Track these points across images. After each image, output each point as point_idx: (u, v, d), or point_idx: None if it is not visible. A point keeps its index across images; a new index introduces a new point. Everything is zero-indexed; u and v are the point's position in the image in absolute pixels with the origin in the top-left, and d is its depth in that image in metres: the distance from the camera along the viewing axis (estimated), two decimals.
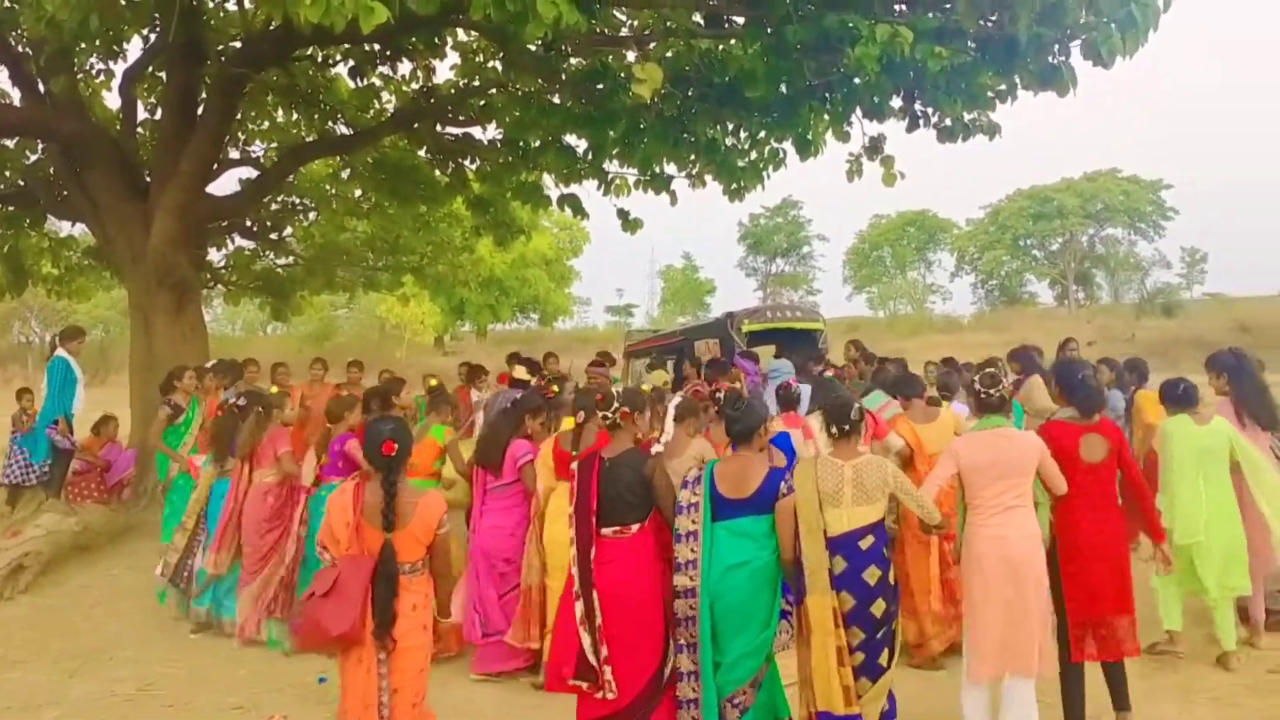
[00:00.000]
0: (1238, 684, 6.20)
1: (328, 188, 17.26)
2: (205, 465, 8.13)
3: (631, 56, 11.12)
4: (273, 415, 7.82)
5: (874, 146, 10.85)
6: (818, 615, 4.80)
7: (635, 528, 5.20)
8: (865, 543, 4.91)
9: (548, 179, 14.59)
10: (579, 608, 5.11)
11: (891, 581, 4.96)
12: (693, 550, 4.95)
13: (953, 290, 79.95)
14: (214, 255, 17.27)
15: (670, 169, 12.72)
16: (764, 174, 12.47)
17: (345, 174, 16.87)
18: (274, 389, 9.05)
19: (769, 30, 9.09)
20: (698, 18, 10.43)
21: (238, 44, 12.97)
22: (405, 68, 14.24)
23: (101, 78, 14.22)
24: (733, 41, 10.31)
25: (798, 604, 4.94)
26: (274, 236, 17.85)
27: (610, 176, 13.11)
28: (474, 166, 15.22)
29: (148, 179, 12.68)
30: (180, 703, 6.37)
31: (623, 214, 13.73)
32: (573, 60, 12.12)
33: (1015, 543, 5.06)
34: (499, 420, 7.00)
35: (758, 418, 5.13)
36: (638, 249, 78.54)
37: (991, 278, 69.04)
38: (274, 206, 17.19)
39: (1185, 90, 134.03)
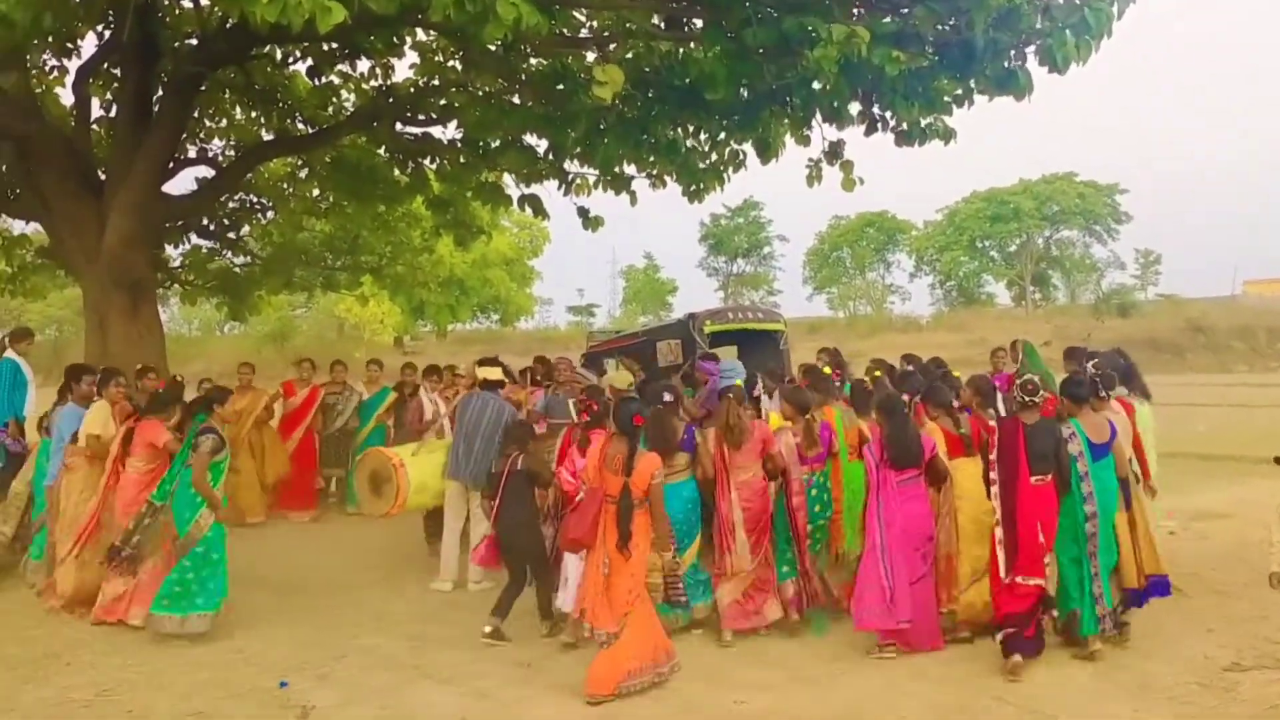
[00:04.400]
0: (1192, 682, 6.30)
1: (285, 187, 17.10)
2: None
3: (591, 58, 11.12)
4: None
5: (833, 151, 10.94)
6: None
7: (1049, 477, 6.76)
8: None
9: (508, 179, 14.57)
10: (998, 533, 6.79)
11: None
12: (1088, 486, 6.82)
13: (911, 291, 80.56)
14: (170, 254, 17.09)
15: (630, 169, 12.77)
16: (724, 175, 12.55)
17: (303, 173, 16.71)
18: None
19: (729, 33, 9.13)
20: (657, 20, 10.47)
21: (194, 42, 12.83)
22: (364, 66, 14.17)
23: (55, 75, 14.02)
24: (692, 44, 10.35)
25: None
26: (231, 236, 17.63)
27: (571, 176, 13.15)
28: (434, 166, 15.14)
29: (102, 178, 12.52)
30: (139, 708, 6.30)
31: (583, 212, 13.77)
32: (533, 61, 12.11)
33: None
34: (905, 417, 7.30)
35: (1089, 389, 7.27)
36: (599, 249, 78.67)
37: (949, 279, 69.65)
38: (231, 205, 16.98)
39: (1142, 94, 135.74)
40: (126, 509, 8.04)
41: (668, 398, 7.43)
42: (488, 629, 7.40)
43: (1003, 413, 7.83)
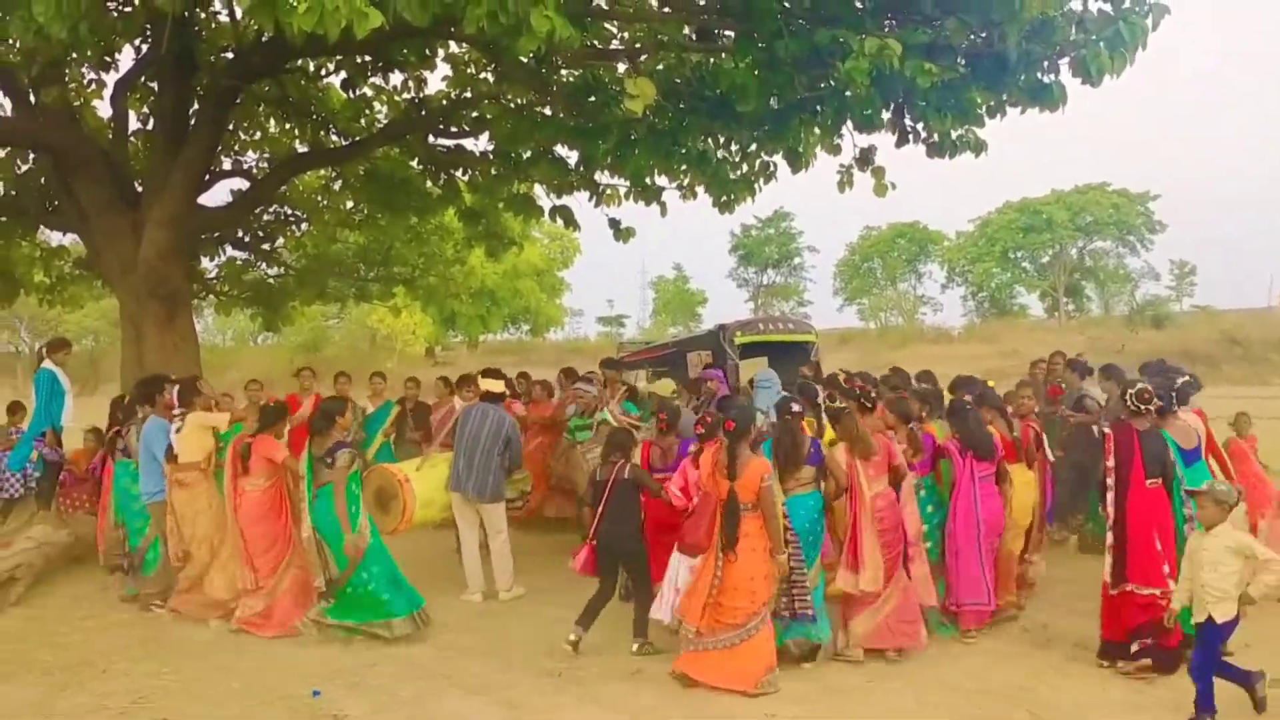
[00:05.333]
0: (1232, 699, 6.21)
1: (319, 198, 17.23)
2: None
3: (623, 69, 11.15)
4: None
5: (865, 158, 10.91)
6: None
7: (1160, 482, 6.97)
8: None
9: (539, 190, 14.62)
10: (1110, 537, 7.01)
11: None
12: (1186, 490, 6.76)
13: (943, 302, 79.87)
14: (205, 265, 17.25)
15: (661, 180, 12.77)
16: (755, 186, 12.52)
17: (337, 185, 16.83)
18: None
19: (760, 44, 9.13)
20: (689, 31, 10.48)
21: (230, 55, 12.96)
22: (397, 79, 14.27)
23: (93, 88, 14.18)
24: (724, 55, 10.35)
25: None
26: (265, 247, 17.78)
27: (601, 187, 13.18)
28: (466, 177, 15.21)
29: (139, 190, 12.66)
30: (173, 715, 6.37)
31: (614, 224, 13.80)
32: (564, 72, 12.16)
33: None
34: (975, 415, 7.91)
35: (1168, 400, 7.35)
36: (628, 260, 78.78)
37: (982, 290, 69.12)
38: (266, 217, 17.12)
39: (1175, 103, 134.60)
40: (252, 528, 8.12)
41: (796, 409, 7.47)
42: (572, 637, 7.40)
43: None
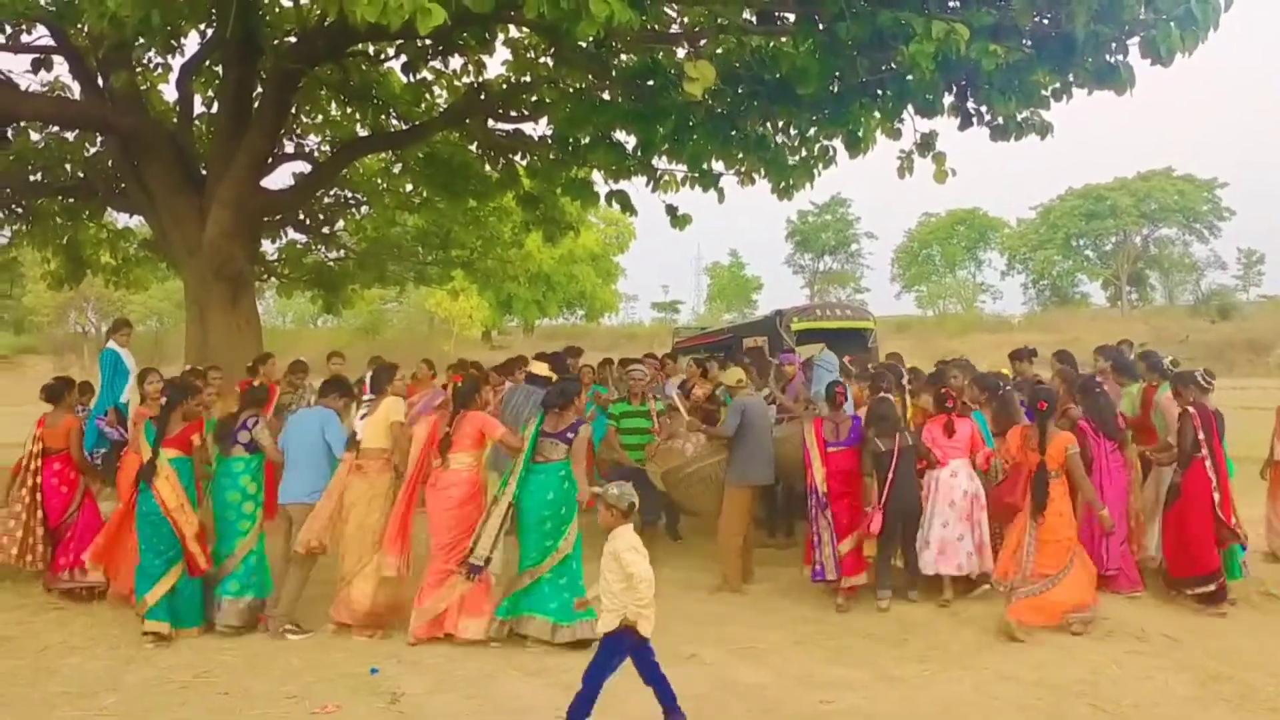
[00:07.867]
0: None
1: (379, 182, 17.41)
2: None
3: (682, 53, 11.10)
4: None
5: (926, 143, 10.79)
6: None
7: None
8: None
9: (597, 175, 14.64)
10: (1216, 496, 7.94)
11: None
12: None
13: (1003, 290, 78.96)
14: (267, 248, 17.50)
15: (719, 166, 12.72)
16: (814, 172, 12.43)
17: (397, 168, 17.02)
18: None
19: (821, 27, 9.05)
20: (749, 14, 10.41)
21: (293, 39, 13.10)
22: (456, 63, 14.34)
23: (159, 71, 14.45)
24: (784, 39, 10.27)
25: None
26: (326, 230, 18.03)
27: (659, 173, 13.14)
28: (524, 162, 15.28)
29: (204, 172, 12.85)
30: (235, 690, 6.46)
31: (671, 210, 13.76)
32: (623, 57, 12.14)
33: None
34: (1104, 394, 8.55)
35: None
36: (684, 246, 78.86)
37: (1043, 278, 68.30)
38: (326, 200, 17.36)
39: (1246, 87, 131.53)
40: (446, 513, 7.49)
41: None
42: (883, 604, 8.14)
43: None
